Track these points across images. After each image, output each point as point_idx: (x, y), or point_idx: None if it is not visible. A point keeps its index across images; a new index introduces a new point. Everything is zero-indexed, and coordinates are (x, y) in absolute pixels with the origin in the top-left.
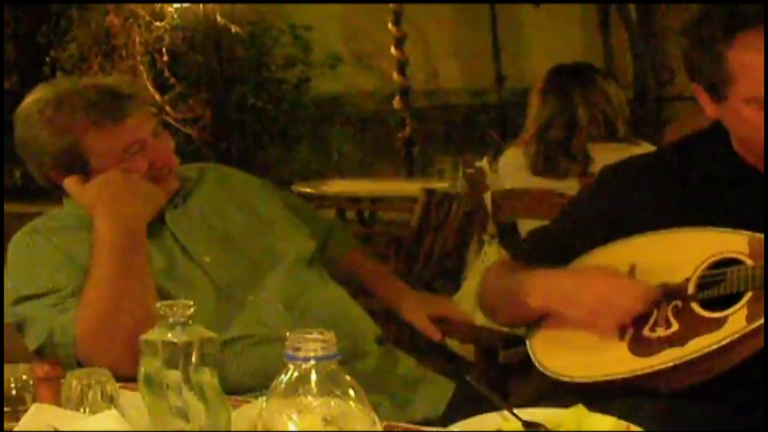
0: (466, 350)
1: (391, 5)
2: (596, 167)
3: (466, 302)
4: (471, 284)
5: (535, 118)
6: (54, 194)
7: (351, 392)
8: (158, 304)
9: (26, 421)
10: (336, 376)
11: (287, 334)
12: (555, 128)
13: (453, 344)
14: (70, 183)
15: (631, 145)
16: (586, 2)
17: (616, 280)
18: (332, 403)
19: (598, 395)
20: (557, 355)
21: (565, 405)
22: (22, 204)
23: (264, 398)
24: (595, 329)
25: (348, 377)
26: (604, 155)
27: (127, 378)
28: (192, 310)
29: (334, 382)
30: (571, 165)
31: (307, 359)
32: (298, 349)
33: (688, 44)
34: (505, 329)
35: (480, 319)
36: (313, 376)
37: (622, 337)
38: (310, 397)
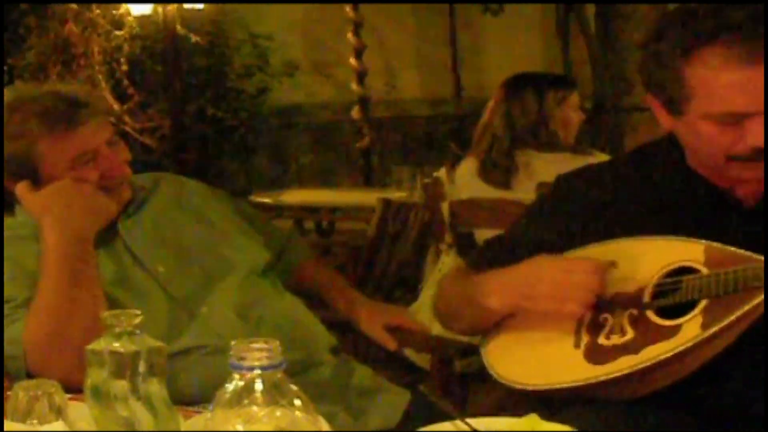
0: (423, 360)
1: (351, 15)
2: (543, 176)
3: (423, 312)
4: (428, 294)
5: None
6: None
7: (297, 402)
8: (105, 314)
9: None
10: (282, 385)
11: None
12: (485, 137)
13: (410, 354)
14: (20, 189)
15: (580, 155)
16: (547, 2)
17: (566, 262)
18: (278, 413)
19: (554, 403)
20: (512, 363)
21: (522, 414)
22: None
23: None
24: (563, 315)
25: (294, 387)
26: (548, 165)
27: (78, 389)
28: (139, 319)
29: (279, 392)
30: (507, 174)
31: (251, 369)
32: (243, 359)
33: (646, 59)
34: (463, 338)
35: (437, 329)
36: (258, 386)
37: (577, 345)
38: (255, 408)
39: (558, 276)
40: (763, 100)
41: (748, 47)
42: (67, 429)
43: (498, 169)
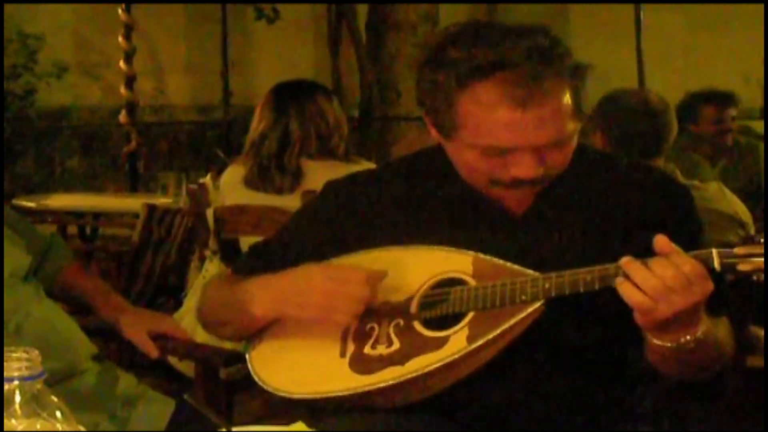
0: (187, 368)
1: (123, 17)
2: (313, 184)
3: (187, 319)
4: (192, 301)
5: (252, 132)
6: None
7: (58, 414)
8: None
9: None
10: (42, 396)
11: None
12: (269, 142)
13: (174, 362)
14: None
15: (349, 163)
16: (319, 2)
17: (337, 271)
18: (38, 426)
19: (321, 411)
20: (277, 370)
21: (289, 422)
22: None
23: None
24: (331, 324)
25: (55, 398)
26: (320, 172)
27: None
28: None
29: (40, 404)
30: (284, 180)
31: (10, 379)
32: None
33: (422, 82)
34: (227, 345)
35: (201, 336)
36: (18, 398)
37: (343, 354)
38: (14, 421)
39: (328, 285)
40: (529, 136)
41: (522, 87)
42: None
43: (265, 176)
